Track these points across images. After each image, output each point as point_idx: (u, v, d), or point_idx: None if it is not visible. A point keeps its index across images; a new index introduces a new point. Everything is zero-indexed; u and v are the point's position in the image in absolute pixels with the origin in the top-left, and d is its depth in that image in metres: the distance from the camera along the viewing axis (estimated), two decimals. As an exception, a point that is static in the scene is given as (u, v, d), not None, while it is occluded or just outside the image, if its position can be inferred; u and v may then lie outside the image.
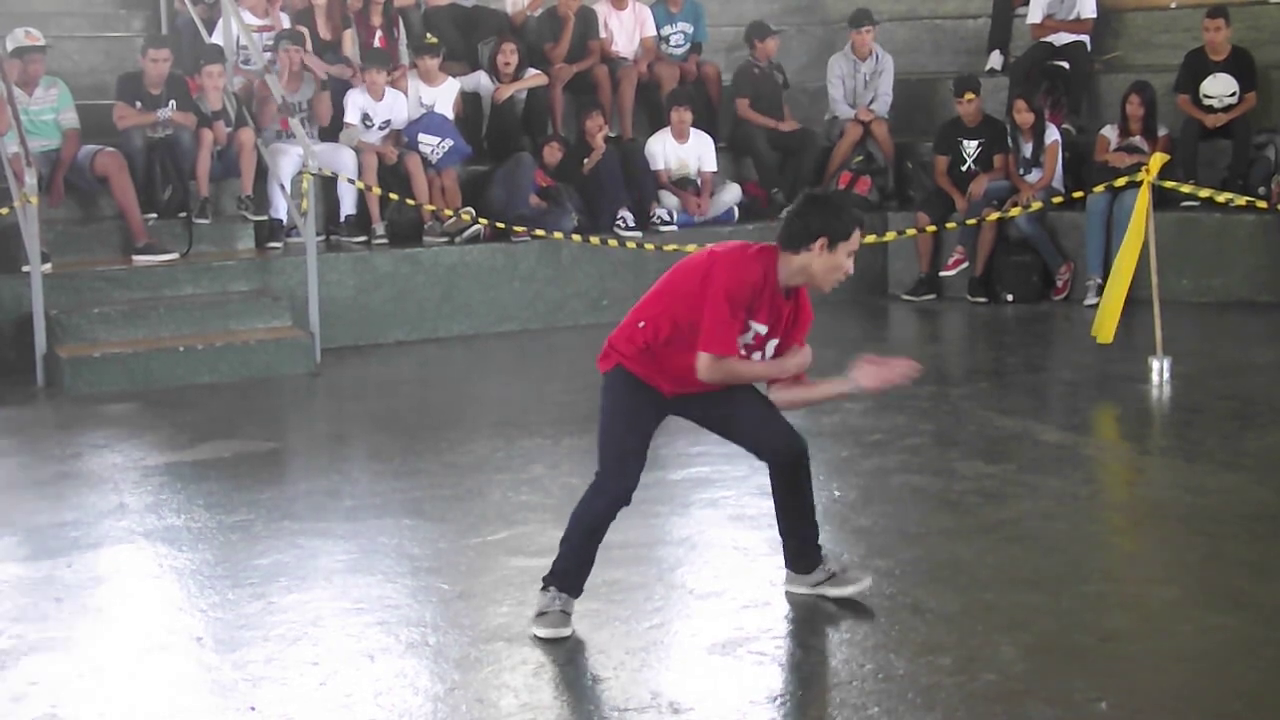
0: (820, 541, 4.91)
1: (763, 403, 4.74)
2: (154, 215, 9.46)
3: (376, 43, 10.82)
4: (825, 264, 4.51)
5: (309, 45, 10.40)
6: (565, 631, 4.58)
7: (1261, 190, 10.00)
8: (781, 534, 4.90)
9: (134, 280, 9.08)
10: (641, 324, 4.60)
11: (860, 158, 11.35)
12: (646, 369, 4.61)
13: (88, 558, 5.51)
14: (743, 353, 4.56)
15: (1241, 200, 9.23)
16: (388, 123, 10.27)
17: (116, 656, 4.57)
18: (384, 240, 9.89)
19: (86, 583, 5.25)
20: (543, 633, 4.58)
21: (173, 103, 9.57)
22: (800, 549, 4.88)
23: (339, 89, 10.33)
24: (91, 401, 8.04)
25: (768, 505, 5.81)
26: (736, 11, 13.19)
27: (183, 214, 9.47)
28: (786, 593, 4.87)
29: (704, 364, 4.50)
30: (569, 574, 4.65)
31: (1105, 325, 7.93)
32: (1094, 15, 11.65)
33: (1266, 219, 9.89)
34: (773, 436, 4.75)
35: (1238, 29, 10.99)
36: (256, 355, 8.65)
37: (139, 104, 9.57)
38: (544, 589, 4.66)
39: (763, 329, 4.58)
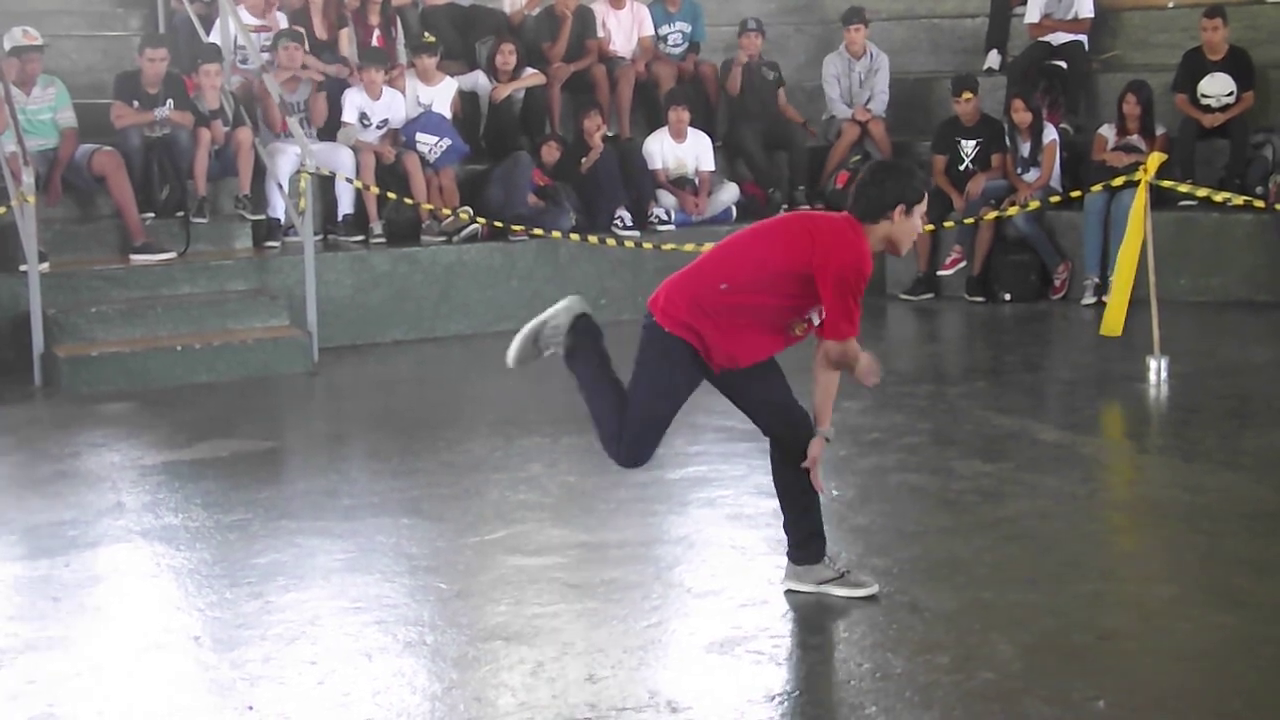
0: (825, 537, 4.90)
1: (787, 384, 4.77)
2: (151, 214, 9.45)
3: (374, 42, 10.82)
4: (903, 229, 4.59)
5: (306, 45, 10.40)
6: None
7: (1259, 189, 10.00)
8: (786, 525, 4.88)
9: (131, 279, 9.07)
10: (724, 286, 4.55)
11: (858, 157, 11.36)
12: (710, 340, 4.57)
13: (85, 557, 5.50)
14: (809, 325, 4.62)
15: (1239, 200, 9.24)
16: (385, 122, 10.26)
17: (114, 655, 4.57)
18: (381, 239, 9.89)
19: (84, 581, 5.25)
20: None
21: (170, 102, 9.56)
22: (804, 540, 4.85)
23: (336, 89, 10.33)
24: (89, 401, 8.03)
25: (766, 504, 5.83)
26: (734, 11, 13.17)
27: (180, 213, 9.46)
28: (786, 591, 4.85)
29: (835, 351, 4.60)
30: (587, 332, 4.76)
31: (1113, 319, 7.95)
32: (1092, 15, 11.66)
33: (1264, 218, 9.89)
34: (794, 417, 4.75)
35: (1235, 28, 11.00)
36: (254, 354, 8.65)
37: (136, 103, 9.56)
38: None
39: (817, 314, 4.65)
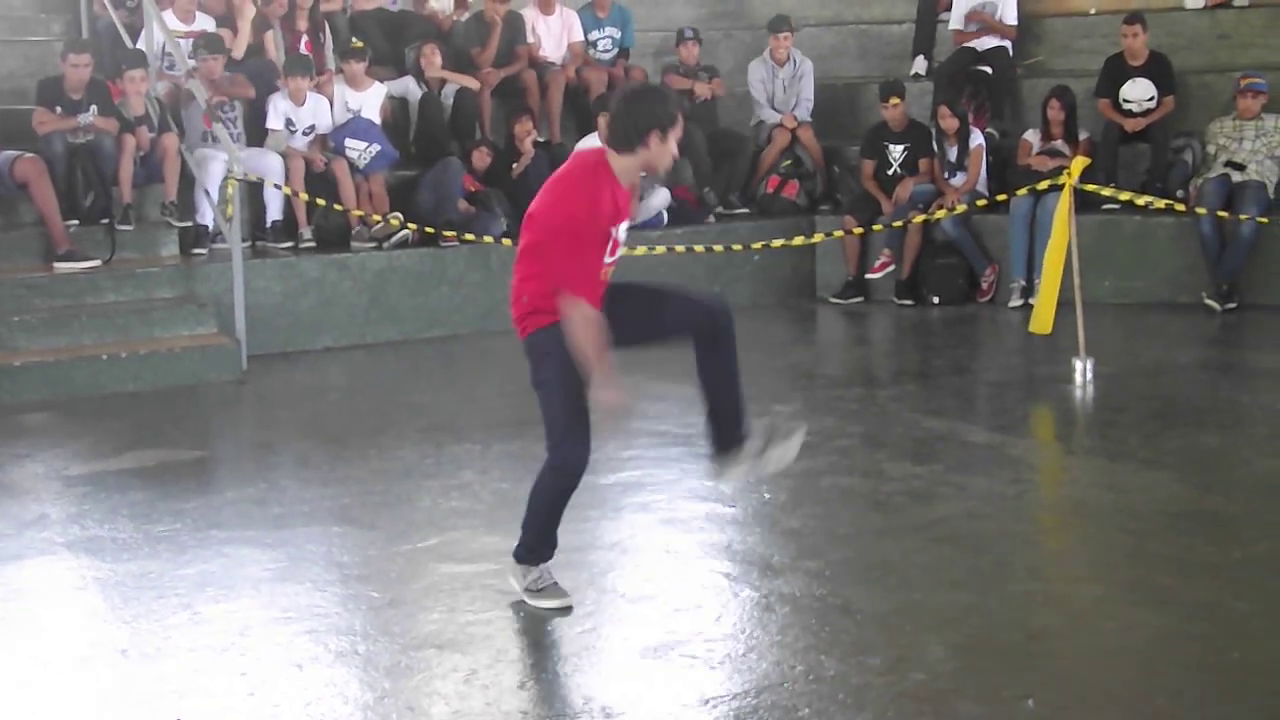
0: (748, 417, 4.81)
1: (654, 286, 4.84)
2: (76, 222, 9.33)
3: (303, 47, 10.74)
4: (660, 154, 4.57)
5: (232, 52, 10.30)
6: (569, 600, 4.79)
7: (1180, 193, 10.16)
8: (708, 415, 4.77)
9: (55, 288, 8.95)
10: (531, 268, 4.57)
11: (789, 162, 11.43)
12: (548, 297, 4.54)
13: (9, 570, 5.42)
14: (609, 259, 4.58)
15: (1161, 203, 9.37)
16: (312, 128, 10.20)
17: (40, 670, 4.50)
18: (312, 245, 9.82)
19: (7, 595, 5.17)
20: (552, 604, 4.78)
21: (94, 108, 9.44)
22: (726, 424, 4.76)
23: (263, 92, 10.23)
24: (12, 411, 7.92)
25: (699, 508, 5.86)
26: (664, 16, 13.23)
27: (105, 220, 9.35)
28: (717, 482, 4.95)
29: (561, 305, 4.46)
30: (543, 546, 4.82)
31: (1042, 317, 8.04)
32: (1015, 22, 11.79)
33: (1185, 221, 10.04)
34: (697, 304, 4.72)
35: (1156, 35, 11.16)
36: (181, 363, 8.56)
37: (59, 109, 9.43)
38: (527, 567, 4.83)
39: (621, 231, 4.62)
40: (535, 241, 4.56)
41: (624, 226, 4.63)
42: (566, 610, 4.76)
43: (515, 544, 4.89)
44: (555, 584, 4.84)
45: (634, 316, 4.64)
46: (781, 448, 4.78)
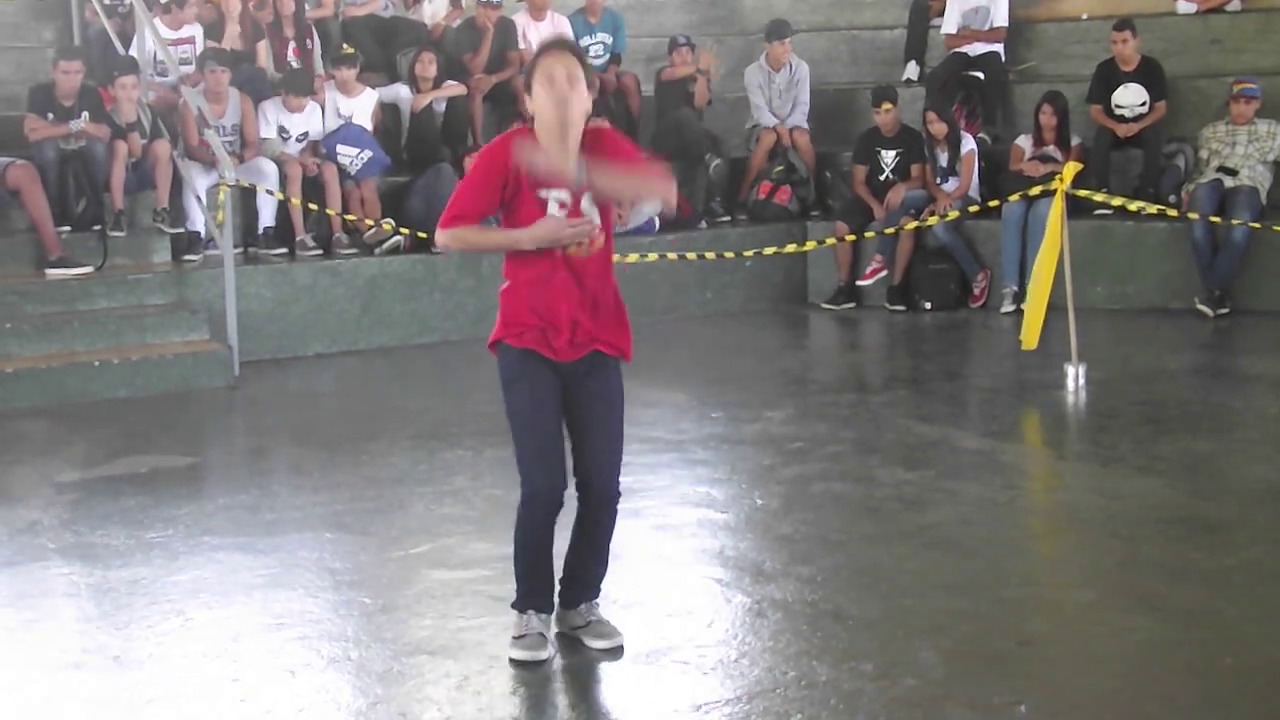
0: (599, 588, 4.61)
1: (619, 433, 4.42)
2: (67, 228, 9.33)
3: (290, 53, 10.74)
4: (539, 105, 4.23)
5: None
6: (543, 654, 4.41)
7: (1172, 198, 10.19)
8: (567, 572, 4.55)
9: (47, 294, 8.94)
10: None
11: (781, 167, 11.44)
12: (515, 314, 4.27)
13: (1, 576, 5.41)
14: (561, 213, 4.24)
15: (1153, 208, 9.39)
16: (305, 135, 10.20)
17: (32, 677, 4.49)
18: (318, 252, 9.80)
19: (0, 602, 5.16)
20: (519, 655, 4.41)
21: (85, 114, 9.43)
22: (582, 585, 4.57)
23: (256, 100, 10.23)
24: (4, 417, 7.91)
25: (691, 514, 5.87)
26: (655, 22, 13.26)
27: (97, 227, 9.35)
28: (559, 634, 4.56)
29: (438, 237, 4.26)
30: (533, 593, 4.48)
31: (1030, 332, 8.03)
32: (1006, 24, 11.82)
33: (1177, 226, 10.06)
34: (610, 469, 4.39)
35: (1148, 40, 11.19)
36: (173, 369, 8.55)
37: (51, 116, 9.43)
38: (520, 611, 4.49)
39: (563, 195, 4.25)
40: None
41: (559, 193, 4.24)
42: (536, 664, 4.37)
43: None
44: (539, 635, 4.44)
45: (586, 406, 4.36)
46: (598, 641, 4.52)
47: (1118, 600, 4.91)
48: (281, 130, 10.10)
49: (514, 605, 4.52)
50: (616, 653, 4.48)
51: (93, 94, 9.61)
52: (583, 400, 4.34)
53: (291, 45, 10.82)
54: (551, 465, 4.28)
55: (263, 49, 10.72)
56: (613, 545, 4.75)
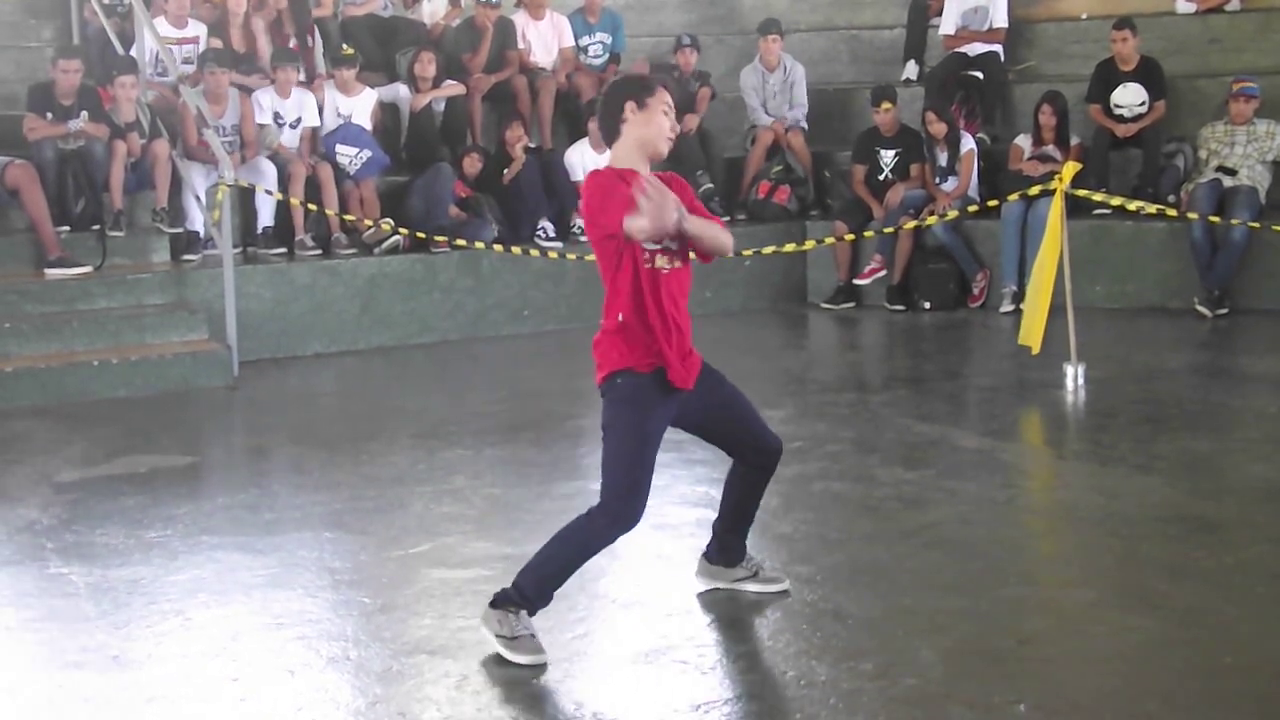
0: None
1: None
2: (67, 228, 9.34)
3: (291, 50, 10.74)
4: (642, 123, 4.37)
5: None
6: (546, 657, 4.42)
7: (1171, 198, 10.19)
8: (719, 529, 4.96)
9: (47, 294, 8.95)
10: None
11: (780, 168, 11.44)
12: (632, 346, 4.38)
13: (0, 576, 5.41)
14: (660, 264, 4.37)
15: (1152, 208, 9.39)
16: (299, 120, 10.20)
17: (31, 676, 4.50)
18: (317, 252, 9.80)
19: (-1, 602, 5.17)
20: (525, 659, 4.40)
21: (84, 114, 9.44)
22: (733, 544, 4.96)
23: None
24: (3, 417, 7.91)
25: (690, 514, 5.86)
26: (655, 21, 13.26)
27: (96, 226, 9.35)
28: (701, 592, 4.95)
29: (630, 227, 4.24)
30: (540, 596, 4.51)
31: (1032, 333, 8.01)
32: (1006, 25, 11.82)
33: (1176, 226, 10.06)
34: (765, 432, 4.80)
35: (1147, 39, 11.20)
36: (173, 368, 8.56)
37: (50, 115, 9.43)
38: (509, 611, 4.47)
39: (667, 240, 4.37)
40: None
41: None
42: (540, 669, 4.36)
43: (498, 590, 4.56)
44: (534, 636, 4.46)
45: (719, 414, 4.71)
46: (762, 585, 4.95)
47: (1117, 599, 4.91)
48: (276, 116, 10.11)
49: (514, 605, 4.51)
50: (786, 594, 4.91)
51: (92, 93, 9.61)
52: (707, 393, 4.61)
53: (292, 42, 10.82)
54: (645, 497, 4.53)
55: (263, 48, 10.71)
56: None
